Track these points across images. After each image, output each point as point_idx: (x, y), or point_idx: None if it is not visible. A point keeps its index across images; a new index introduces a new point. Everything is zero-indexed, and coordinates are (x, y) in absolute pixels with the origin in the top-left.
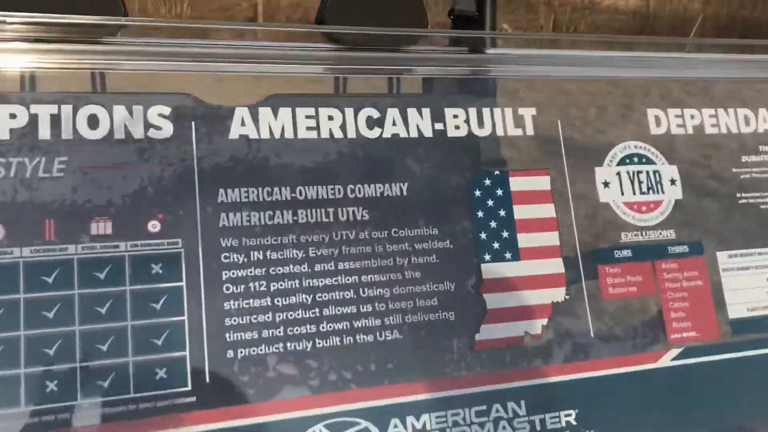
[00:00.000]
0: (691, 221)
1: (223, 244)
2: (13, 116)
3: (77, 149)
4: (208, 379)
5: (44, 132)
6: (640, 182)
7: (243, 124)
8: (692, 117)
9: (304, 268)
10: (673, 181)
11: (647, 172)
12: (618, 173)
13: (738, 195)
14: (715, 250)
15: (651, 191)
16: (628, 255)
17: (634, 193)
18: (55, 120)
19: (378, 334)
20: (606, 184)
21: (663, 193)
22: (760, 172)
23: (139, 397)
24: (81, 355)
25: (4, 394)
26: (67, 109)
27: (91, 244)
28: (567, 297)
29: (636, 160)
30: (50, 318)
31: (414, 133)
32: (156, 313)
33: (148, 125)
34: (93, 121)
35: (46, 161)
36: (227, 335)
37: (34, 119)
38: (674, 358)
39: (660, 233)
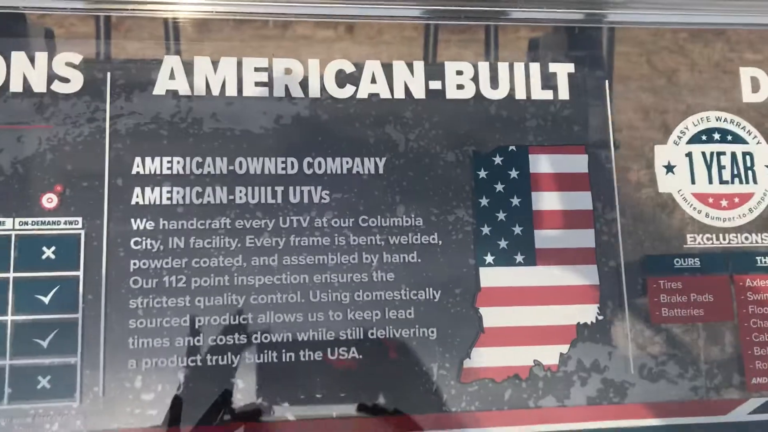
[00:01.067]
0: None
1: (135, 227)
2: None
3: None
4: (102, 393)
5: None
6: (721, 167)
7: (172, 77)
8: None
9: (237, 261)
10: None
11: (733, 154)
12: (689, 154)
13: None
14: None
15: (737, 180)
16: (695, 265)
17: (711, 182)
18: None
19: (330, 351)
20: (669, 169)
21: (755, 183)
22: None
23: (14, 410)
24: None
25: None
26: None
27: None
28: (599, 317)
29: (717, 137)
30: None
31: (400, 94)
32: (44, 308)
33: (52, 76)
34: None
35: None
36: (131, 341)
37: None
38: (754, 411)
39: (747, 237)
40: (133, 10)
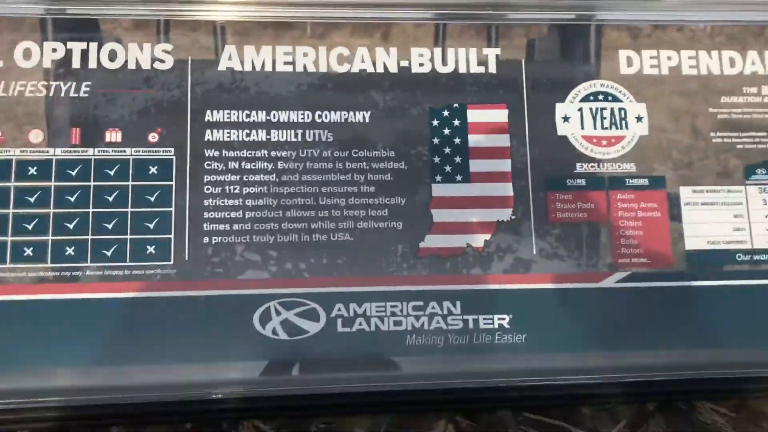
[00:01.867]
0: (654, 157)
1: (207, 155)
2: (54, 50)
3: (99, 76)
4: (186, 258)
5: (76, 63)
6: (603, 118)
7: (230, 59)
8: (669, 59)
9: (272, 177)
10: (639, 118)
11: (612, 109)
12: (580, 109)
13: (712, 134)
14: (679, 185)
15: (614, 126)
16: (582, 184)
17: (596, 128)
18: (84, 54)
19: (331, 235)
20: (566, 119)
21: (627, 129)
22: (741, 114)
23: (134, 266)
24: (93, 230)
25: (39, 252)
26: (93, 46)
27: (105, 149)
28: (513, 217)
29: (601, 97)
30: (72, 201)
31: (380, 69)
32: (150, 204)
33: (154, 59)
34: (113, 55)
35: (76, 85)
36: (204, 225)
37: (69, 53)
38: (620, 281)
39: (619, 165)
40: (189, 14)
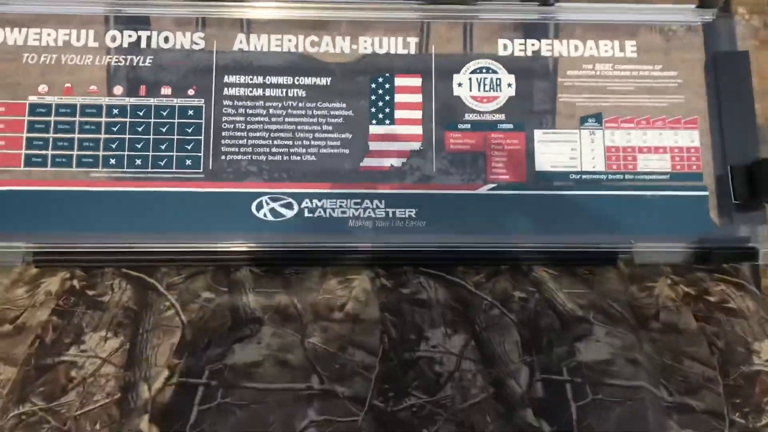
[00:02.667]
0: (518, 110)
1: (224, 103)
2: (124, 36)
3: (158, 52)
4: (210, 168)
5: (143, 44)
6: (485, 83)
7: (240, 42)
8: (532, 45)
9: (265, 119)
10: (509, 85)
11: (491, 78)
12: (470, 78)
13: (558, 95)
14: (534, 128)
15: (491, 90)
16: (467, 127)
17: (479, 90)
18: (148, 38)
19: (302, 156)
20: (460, 84)
21: (500, 91)
22: (579, 82)
23: (178, 171)
24: (153, 149)
25: (119, 162)
26: (154, 33)
27: (161, 98)
28: (421, 148)
29: (485, 70)
30: (139, 131)
31: (338, 50)
32: (188, 134)
33: (192, 42)
34: (166, 40)
35: (143, 58)
36: (222, 148)
37: (139, 39)
38: (490, 189)
39: (494, 115)
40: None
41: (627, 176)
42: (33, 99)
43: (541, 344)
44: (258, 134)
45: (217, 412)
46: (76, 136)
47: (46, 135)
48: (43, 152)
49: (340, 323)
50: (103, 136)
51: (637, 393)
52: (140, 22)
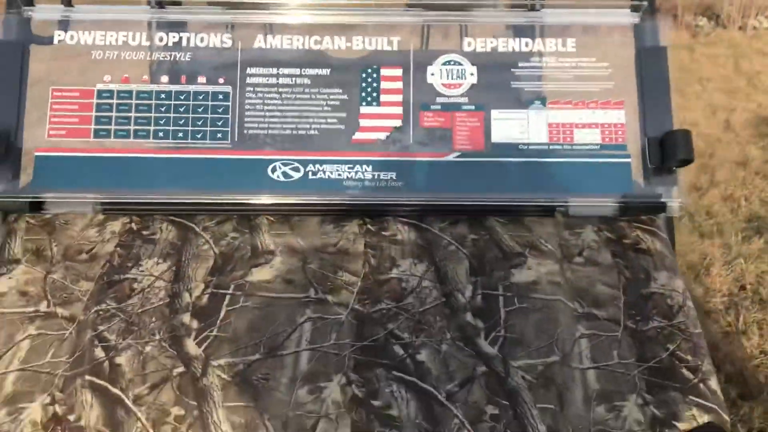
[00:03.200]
0: (479, 94)
1: (247, 90)
2: (166, 37)
3: (199, 52)
4: (236, 139)
5: (184, 43)
6: (451, 73)
7: (258, 41)
8: (491, 41)
9: (278, 102)
10: (472, 74)
11: (457, 69)
12: (441, 68)
13: (511, 83)
14: (491, 109)
15: (458, 78)
16: (438, 107)
17: (448, 79)
18: (188, 38)
19: (307, 131)
20: (432, 74)
21: (465, 79)
22: (528, 71)
23: (210, 142)
24: (191, 124)
25: (165, 135)
26: (192, 35)
27: (197, 86)
28: (401, 124)
29: (453, 62)
30: (181, 110)
31: (336, 47)
32: (219, 113)
33: (222, 41)
34: (201, 40)
35: (183, 55)
36: (245, 124)
37: (180, 39)
38: (456, 157)
39: (459, 98)
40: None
41: (565, 146)
42: (99, 86)
43: (484, 270)
44: (273, 113)
45: (239, 311)
46: (133, 114)
47: (109, 114)
48: (107, 127)
49: (333, 255)
50: (153, 114)
51: (554, 305)
52: (179, 26)
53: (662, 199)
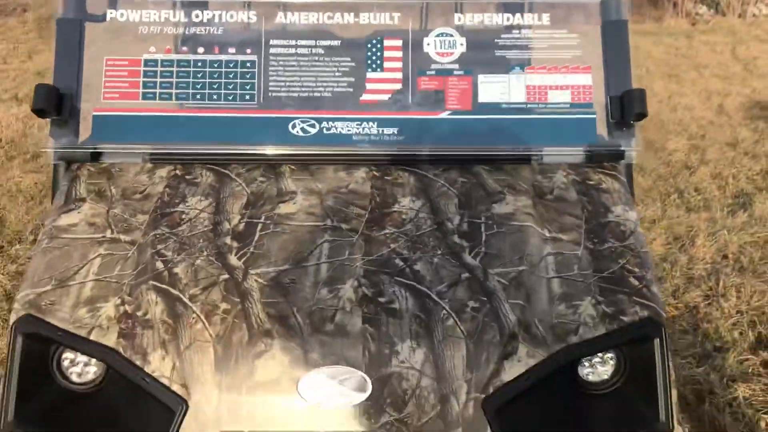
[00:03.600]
0: (468, 61)
1: (270, 59)
2: (189, 14)
3: (229, 26)
4: (261, 101)
5: (216, 20)
6: (444, 44)
7: (279, 18)
8: (478, 17)
9: (296, 68)
10: (462, 44)
11: (449, 40)
12: (434, 40)
13: (495, 52)
14: (478, 74)
15: (450, 48)
16: (433, 73)
17: (441, 49)
18: (218, 15)
19: (321, 93)
20: (428, 44)
21: (456, 49)
22: (510, 41)
23: (240, 102)
24: (224, 88)
25: (201, 97)
26: (217, 12)
27: (228, 55)
28: (401, 88)
29: (444, 35)
30: (215, 76)
31: (345, 22)
32: (247, 78)
33: (248, 17)
34: (230, 16)
35: (215, 29)
36: (269, 87)
37: (209, 16)
38: (448, 115)
39: (451, 65)
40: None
41: (540, 105)
42: (146, 56)
43: (470, 205)
44: (292, 79)
45: (270, 235)
46: (174, 80)
47: (154, 80)
48: (153, 90)
49: (345, 194)
50: (191, 80)
51: (526, 229)
52: (210, 5)
53: (622, 149)
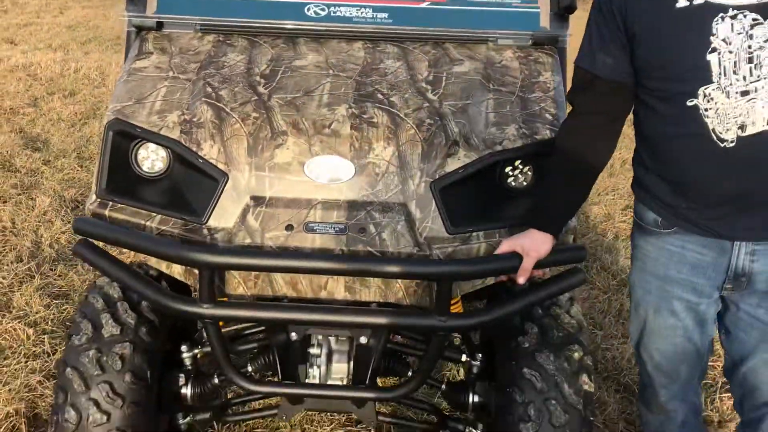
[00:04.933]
0: None
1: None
2: None
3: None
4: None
5: None
6: None
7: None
8: None
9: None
10: None
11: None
12: None
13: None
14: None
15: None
16: None
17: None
18: None
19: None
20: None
21: None
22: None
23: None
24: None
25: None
26: None
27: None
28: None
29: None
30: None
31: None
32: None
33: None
34: None
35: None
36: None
37: None
38: (427, 5)
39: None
40: None
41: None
42: None
43: (437, 65)
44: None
45: (288, 77)
46: None
47: None
48: None
49: (345, 57)
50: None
51: (475, 81)
52: None
53: (557, 35)
